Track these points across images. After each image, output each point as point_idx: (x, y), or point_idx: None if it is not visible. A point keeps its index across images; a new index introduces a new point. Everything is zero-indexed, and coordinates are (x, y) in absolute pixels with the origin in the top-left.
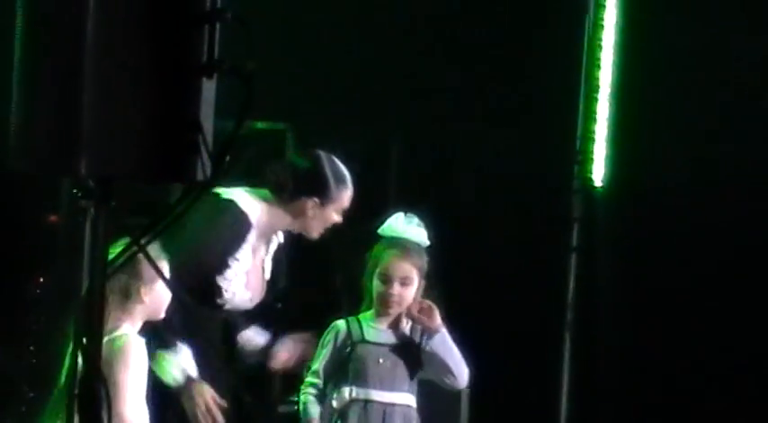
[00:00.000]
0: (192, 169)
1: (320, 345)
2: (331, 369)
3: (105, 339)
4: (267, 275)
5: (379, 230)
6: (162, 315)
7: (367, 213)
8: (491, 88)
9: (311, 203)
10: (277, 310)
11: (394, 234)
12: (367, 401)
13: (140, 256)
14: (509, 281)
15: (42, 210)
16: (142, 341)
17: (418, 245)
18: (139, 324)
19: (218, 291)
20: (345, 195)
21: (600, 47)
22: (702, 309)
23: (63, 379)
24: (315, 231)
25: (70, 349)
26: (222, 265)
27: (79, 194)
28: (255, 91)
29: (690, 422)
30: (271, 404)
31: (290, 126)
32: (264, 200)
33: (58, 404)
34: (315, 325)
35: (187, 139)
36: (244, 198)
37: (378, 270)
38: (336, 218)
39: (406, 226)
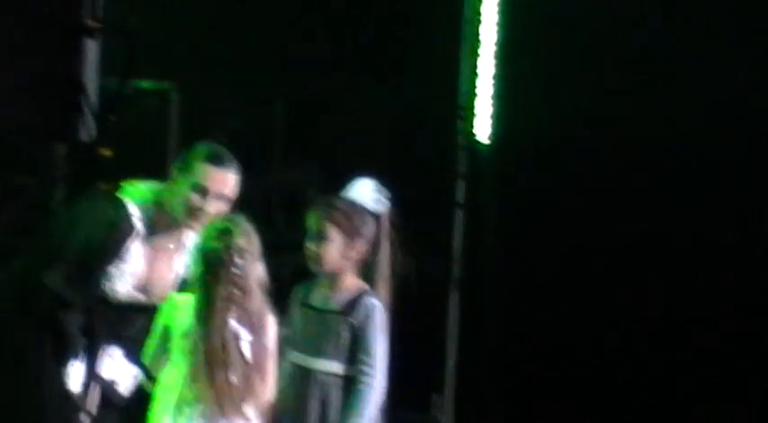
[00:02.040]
0: (75, 129)
1: None
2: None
3: None
4: (179, 272)
5: (341, 195)
6: None
7: (253, 171)
8: (376, 44)
9: (173, 171)
10: None
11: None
12: (296, 365)
13: None
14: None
15: None
16: None
17: (354, 206)
18: None
19: (95, 283)
20: (202, 168)
21: (481, 1)
22: (587, 262)
23: None
24: (177, 211)
25: None
26: (103, 264)
27: None
28: (139, 50)
29: (577, 375)
30: None
31: (176, 85)
32: (159, 195)
33: None
34: None
35: (70, 99)
36: (137, 199)
37: (306, 227)
38: (192, 194)
39: (359, 192)
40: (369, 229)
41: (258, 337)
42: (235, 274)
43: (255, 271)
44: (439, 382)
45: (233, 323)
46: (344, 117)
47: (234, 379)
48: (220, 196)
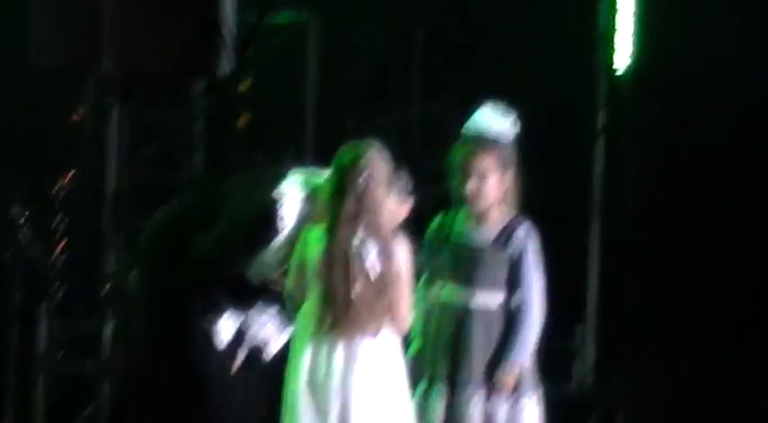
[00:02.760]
0: (214, 63)
1: None
2: (429, 265)
3: None
4: None
5: (466, 125)
6: None
7: (393, 103)
8: None
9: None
10: None
11: (477, 128)
12: (447, 300)
13: None
14: (538, 164)
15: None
16: None
17: (500, 137)
18: None
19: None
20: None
21: None
22: (725, 192)
23: None
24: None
25: None
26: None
27: (104, 91)
28: None
29: (715, 303)
30: None
31: (313, 16)
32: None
33: None
34: None
35: (209, 34)
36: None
37: (456, 165)
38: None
39: (490, 119)
40: (513, 156)
41: (387, 257)
42: (363, 189)
43: (384, 193)
44: (581, 313)
45: (359, 238)
46: (485, 47)
47: (356, 294)
48: None
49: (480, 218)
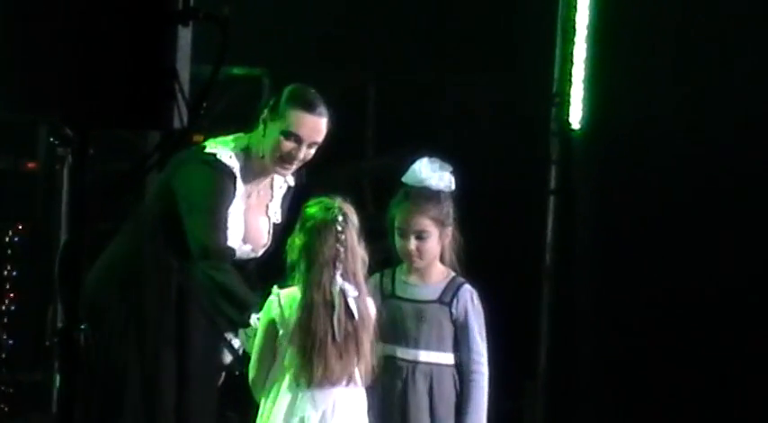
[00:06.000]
0: (168, 116)
1: None
2: None
3: None
4: (277, 219)
5: (403, 178)
6: None
7: (345, 157)
8: (467, 31)
9: (263, 116)
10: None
11: (415, 182)
12: (393, 358)
13: None
14: (489, 222)
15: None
16: None
17: (439, 192)
18: None
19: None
20: (295, 115)
21: None
22: (679, 248)
23: None
24: (269, 158)
25: None
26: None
27: (56, 142)
28: (231, 37)
29: (668, 360)
30: None
31: (267, 71)
32: (245, 146)
33: None
34: None
35: (164, 87)
36: (225, 151)
37: (395, 224)
38: (285, 141)
39: (428, 172)
40: (451, 210)
41: (363, 303)
42: (339, 233)
43: (357, 241)
44: (531, 370)
45: (339, 279)
46: (438, 104)
47: (339, 338)
48: (312, 143)
49: (420, 275)
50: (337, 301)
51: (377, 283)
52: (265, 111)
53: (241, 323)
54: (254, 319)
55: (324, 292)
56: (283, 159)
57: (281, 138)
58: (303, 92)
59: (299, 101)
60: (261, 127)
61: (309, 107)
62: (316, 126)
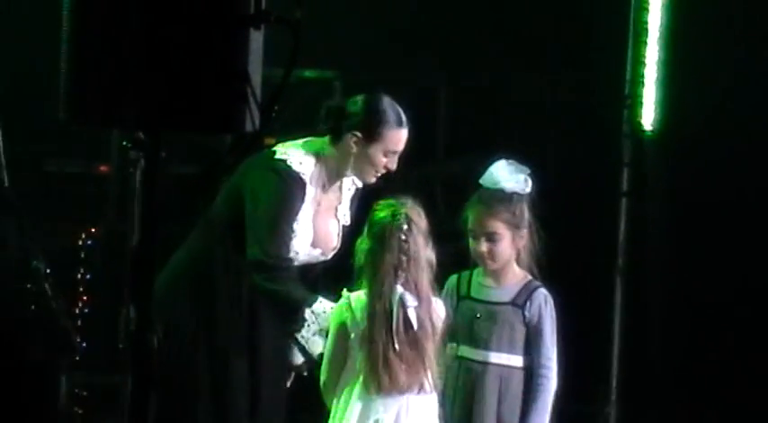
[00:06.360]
0: (240, 119)
1: None
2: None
3: None
4: (346, 222)
5: (480, 180)
6: None
7: (416, 160)
8: (539, 33)
9: (354, 139)
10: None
11: (490, 184)
12: (464, 358)
13: None
14: (561, 225)
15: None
16: None
17: (512, 195)
18: None
19: (287, 248)
20: (393, 135)
21: None
22: (751, 250)
23: None
24: (363, 173)
25: None
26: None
27: (129, 146)
28: (303, 40)
29: (742, 363)
30: None
31: (339, 74)
32: (317, 151)
33: None
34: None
35: (236, 90)
36: (296, 155)
37: (468, 226)
38: (383, 159)
39: (504, 174)
40: (526, 213)
41: (425, 307)
42: (403, 242)
43: (423, 246)
44: (605, 374)
45: (399, 289)
46: (509, 106)
47: (398, 347)
48: (398, 153)
49: (496, 277)
50: (395, 311)
51: (453, 284)
52: (357, 134)
53: (294, 323)
54: (317, 305)
55: (384, 302)
56: (379, 172)
57: (383, 157)
58: (388, 107)
59: (391, 119)
60: (346, 145)
61: (402, 122)
62: (406, 136)
